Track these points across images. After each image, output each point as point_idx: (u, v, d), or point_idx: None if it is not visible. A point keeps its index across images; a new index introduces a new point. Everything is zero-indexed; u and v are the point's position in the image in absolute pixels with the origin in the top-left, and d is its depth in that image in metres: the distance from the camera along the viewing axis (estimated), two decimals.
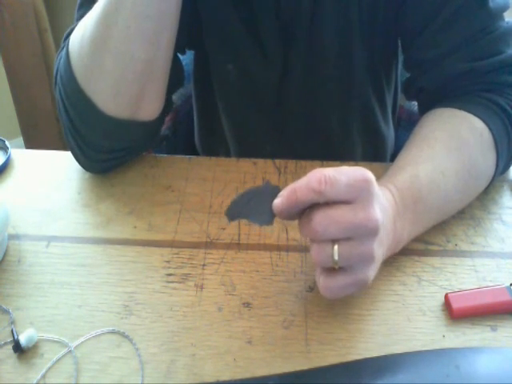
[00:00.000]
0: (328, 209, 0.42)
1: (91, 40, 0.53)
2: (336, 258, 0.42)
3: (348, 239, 0.42)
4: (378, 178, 0.46)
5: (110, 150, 0.60)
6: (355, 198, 0.42)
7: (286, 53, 0.67)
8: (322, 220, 0.41)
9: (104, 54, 0.53)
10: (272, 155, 0.65)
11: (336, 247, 0.42)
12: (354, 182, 0.41)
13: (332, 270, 0.44)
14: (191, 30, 0.67)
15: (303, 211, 0.44)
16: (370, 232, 0.42)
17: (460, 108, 0.58)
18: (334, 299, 0.49)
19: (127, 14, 0.51)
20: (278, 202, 0.44)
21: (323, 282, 0.45)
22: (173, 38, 0.56)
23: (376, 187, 0.43)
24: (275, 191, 0.45)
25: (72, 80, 0.55)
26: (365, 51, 0.67)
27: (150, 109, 0.59)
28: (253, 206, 0.46)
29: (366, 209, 0.42)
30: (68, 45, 0.57)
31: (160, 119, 0.61)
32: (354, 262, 0.43)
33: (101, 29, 0.53)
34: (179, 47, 0.61)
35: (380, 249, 0.45)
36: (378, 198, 0.43)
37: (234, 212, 0.47)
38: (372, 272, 0.45)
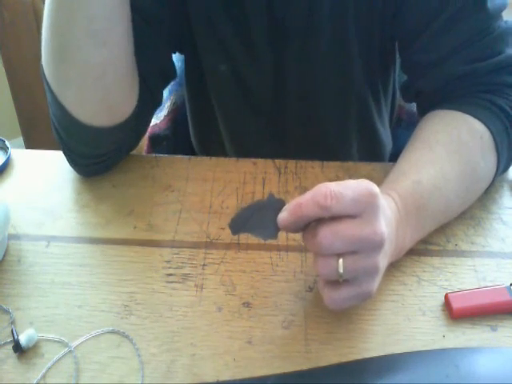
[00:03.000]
0: (334, 223, 0.42)
1: (49, 50, 0.52)
2: (341, 271, 0.42)
3: (353, 253, 0.42)
4: (378, 177, 0.46)
5: (92, 156, 0.59)
6: (361, 212, 0.42)
7: (278, 55, 0.66)
8: (327, 234, 0.41)
9: (63, 64, 0.52)
10: (268, 156, 0.65)
11: (341, 261, 0.42)
12: (359, 196, 0.41)
13: (336, 282, 0.44)
14: (181, 32, 0.66)
15: (308, 224, 0.44)
16: (375, 246, 0.42)
17: (460, 110, 0.58)
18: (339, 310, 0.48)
19: (74, 17, 0.50)
20: (283, 216, 0.44)
21: (328, 294, 0.44)
22: (125, 35, 0.54)
23: (381, 200, 0.43)
24: (279, 205, 0.45)
25: (48, 87, 0.55)
26: (362, 53, 0.66)
27: (121, 110, 0.57)
28: (256, 219, 0.46)
29: (372, 223, 0.42)
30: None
31: (138, 116, 0.59)
32: (359, 274, 0.43)
33: (53, 38, 0.51)
34: (171, 49, 0.61)
35: (384, 260, 0.45)
36: (383, 210, 0.43)
37: (238, 225, 0.47)
38: (376, 283, 0.45)
